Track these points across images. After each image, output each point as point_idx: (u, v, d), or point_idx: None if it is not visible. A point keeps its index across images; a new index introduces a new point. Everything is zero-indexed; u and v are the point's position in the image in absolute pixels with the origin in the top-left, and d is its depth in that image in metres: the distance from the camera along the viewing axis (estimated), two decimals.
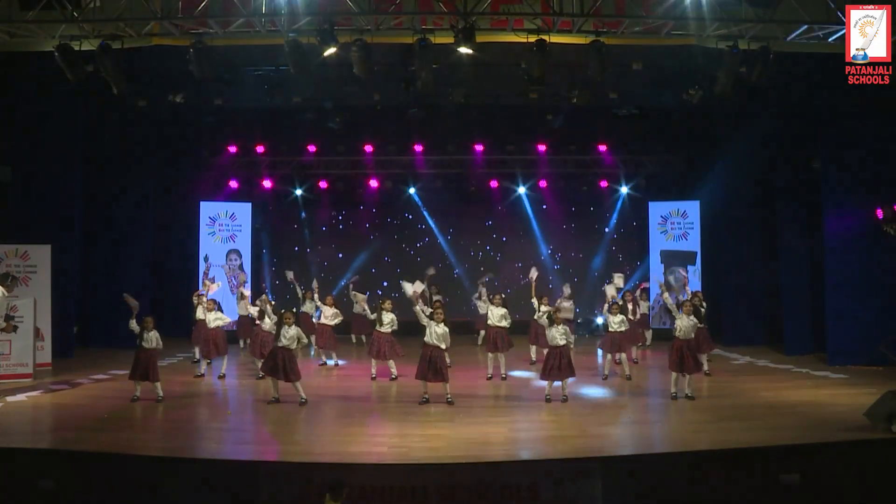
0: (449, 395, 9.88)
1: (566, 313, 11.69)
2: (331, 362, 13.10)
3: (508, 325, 11.74)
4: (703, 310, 10.92)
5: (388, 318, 11.53)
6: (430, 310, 10.25)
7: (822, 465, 7.49)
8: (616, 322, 11.58)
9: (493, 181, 17.40)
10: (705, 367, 11.58)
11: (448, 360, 10.29)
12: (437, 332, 9.83)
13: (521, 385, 11.29)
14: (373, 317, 11.93)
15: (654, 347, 14.72)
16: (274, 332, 10.35)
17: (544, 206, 17.97)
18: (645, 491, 7.27)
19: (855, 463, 7.61)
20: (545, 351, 10.69)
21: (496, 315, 11.66)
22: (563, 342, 10.05)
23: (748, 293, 15.00)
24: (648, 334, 15.07)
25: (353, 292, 13.49)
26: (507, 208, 17.96)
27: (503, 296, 12.18)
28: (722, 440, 7.97)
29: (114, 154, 14.71)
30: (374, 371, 11.79)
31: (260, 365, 11.74)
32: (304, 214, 18.00)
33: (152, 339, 10.04)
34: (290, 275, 14.32)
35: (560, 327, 10.10)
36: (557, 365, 9.96)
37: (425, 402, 9.84)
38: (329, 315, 12.91)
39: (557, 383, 10.15)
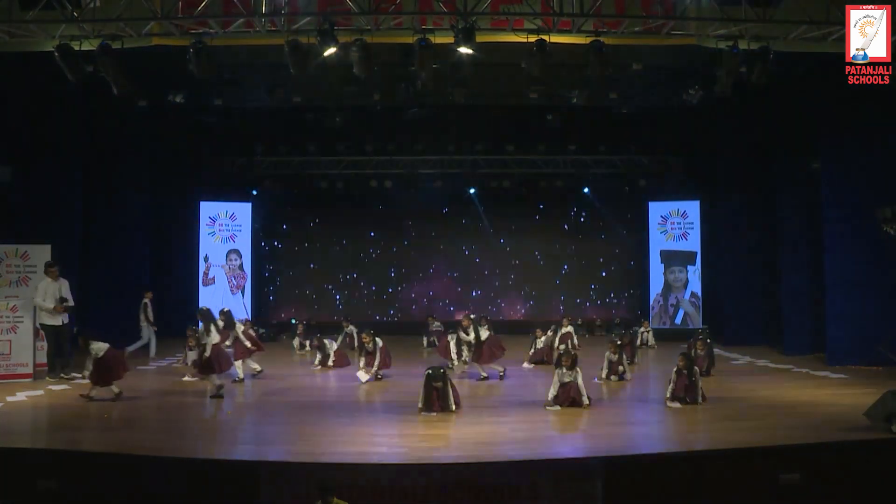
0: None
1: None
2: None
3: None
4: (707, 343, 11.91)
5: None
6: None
7: (822, 465, 7.47)
8: (614, 358, 11.54)
9: (493, 181, 17.40)
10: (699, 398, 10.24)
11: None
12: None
13: (522, 385, 11.28)
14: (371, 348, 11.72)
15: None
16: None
17: (543, 206, 17.97)
18: (645, 491, 7.26)
19: (855, 463, 7.59)
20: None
21: (485, 335, 11.66)
22: (569, 379, 9.69)
23: (748, 293, 15.02)
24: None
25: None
26: (507, 208, 17.96)
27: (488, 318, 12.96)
28: (722, 440, 7.96)
29: (114, 154, 14.70)
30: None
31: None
32: (303, 214, 18.01)
33: (101, 348, 10.22)
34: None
35: (564, 369, 9.69)
36: (567, 396, 9.63)
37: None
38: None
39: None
